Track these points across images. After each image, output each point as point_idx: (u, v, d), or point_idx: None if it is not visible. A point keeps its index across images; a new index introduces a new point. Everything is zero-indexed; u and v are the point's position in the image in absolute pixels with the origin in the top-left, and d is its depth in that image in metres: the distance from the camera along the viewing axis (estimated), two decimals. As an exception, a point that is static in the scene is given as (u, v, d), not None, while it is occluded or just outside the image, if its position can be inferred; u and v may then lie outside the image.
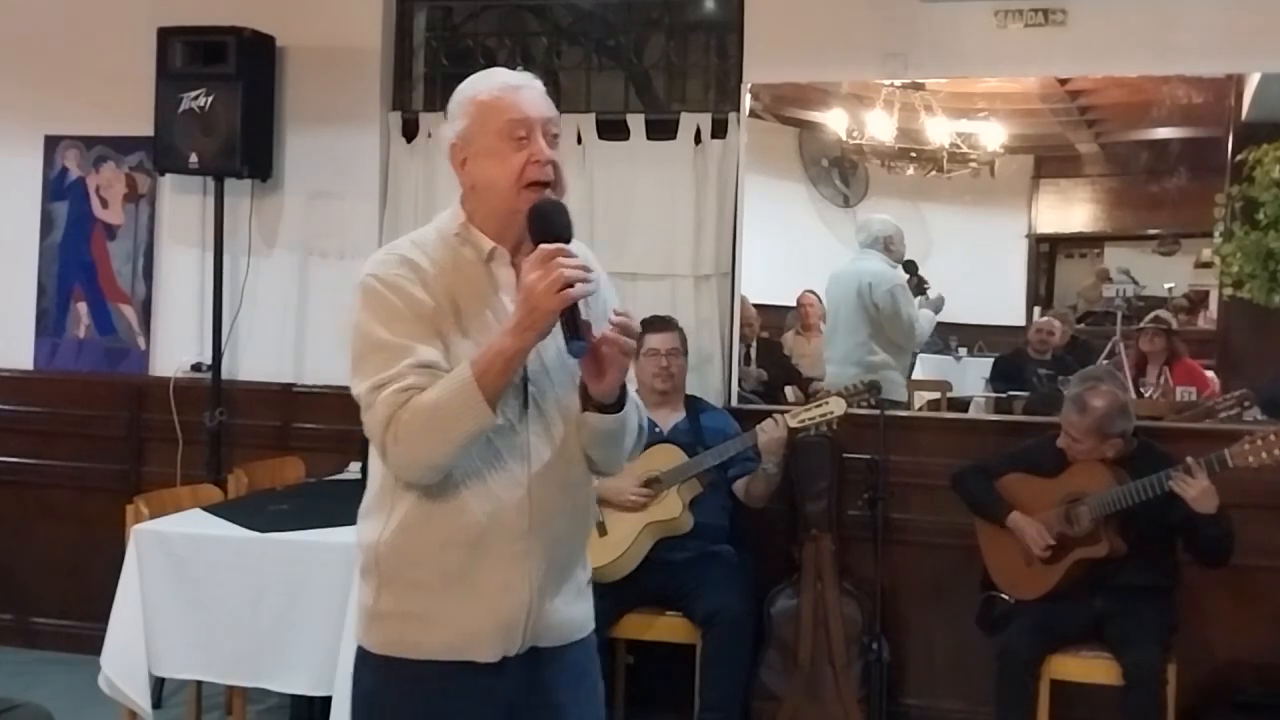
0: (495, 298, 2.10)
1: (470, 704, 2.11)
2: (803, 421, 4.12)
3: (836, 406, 4.10)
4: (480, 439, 2.01)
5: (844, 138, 4.80)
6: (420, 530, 2.11)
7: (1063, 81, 4.51)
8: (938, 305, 4.80)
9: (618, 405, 2.08)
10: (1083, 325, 4.73)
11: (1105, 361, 4.51)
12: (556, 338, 1.99)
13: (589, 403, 2.09)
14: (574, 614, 2.20)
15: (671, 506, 4.11)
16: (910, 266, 4.78)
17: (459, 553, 2.08)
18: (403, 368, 2.01)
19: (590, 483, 2.23)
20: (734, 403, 4.66)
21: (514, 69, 2.19)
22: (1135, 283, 4.58)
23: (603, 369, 2.02)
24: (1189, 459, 3.62)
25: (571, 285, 1.92)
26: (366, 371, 2.04)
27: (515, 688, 2.13)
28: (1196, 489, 3.57)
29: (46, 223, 5.29)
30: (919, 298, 4.79)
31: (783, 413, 4.13)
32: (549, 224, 2.01)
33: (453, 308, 2.07)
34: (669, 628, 4.17)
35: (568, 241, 1.99)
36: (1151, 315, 4.54)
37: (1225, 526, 3.69)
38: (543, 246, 1.97)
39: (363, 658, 2.22)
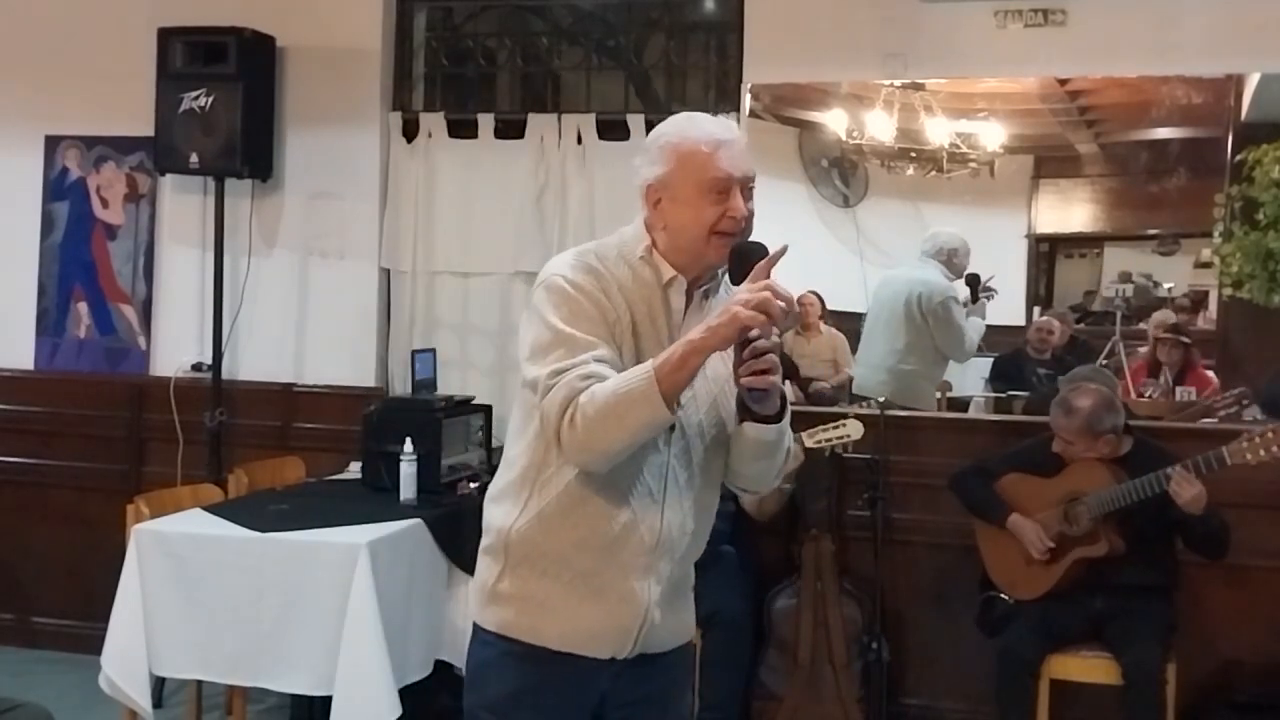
0: (666, 320, 2.21)
1: (569, 692, 2.26)
2: (819, 443, 4.16)
3: (854, 430, 4.14)
4: (654, 433, 2.11)
5: (844, 138, 4.80)
6: (557, 527, 2.21)
7: (1062, 82, 4.51)
8: (982, 310, 4.79)
9: (777, 416, 2.15)
10: (1082, 325, 4.73)
11: (1104, 362, 4.51)
12: (715, 363, 2.11)
13: (747, 413, 2.15)
14: (681, 623, 2.33)
15: None
16: (973, 279, 4.74)
17: (591, 556, 2.20)
18: (587, 357, 2.11)
19: (715, 504, 2.32)
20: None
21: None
22: (1155, 284, 4.59)
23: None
24: (1177, 466, 3.62)
25: (769, 315, 2.00)
26: (549, 360, 2.13)
27: (612, 683, 2.26)
28: (1190, 493, 3.58)
29: (47, 223, 5.29)
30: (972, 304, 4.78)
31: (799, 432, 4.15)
32: (746, 261, 2.11)
33: (629, 322, 2.19)
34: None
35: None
36: (1170, 325, 4.53)
37: (1216, 521, 3.71)
38: (767, 273, 2.06)
39: (476, 633, 2.34)
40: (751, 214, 2.18)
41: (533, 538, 2.23)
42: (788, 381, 4.64)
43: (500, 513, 2.31)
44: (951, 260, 4.70)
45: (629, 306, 2.20)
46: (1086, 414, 3.81)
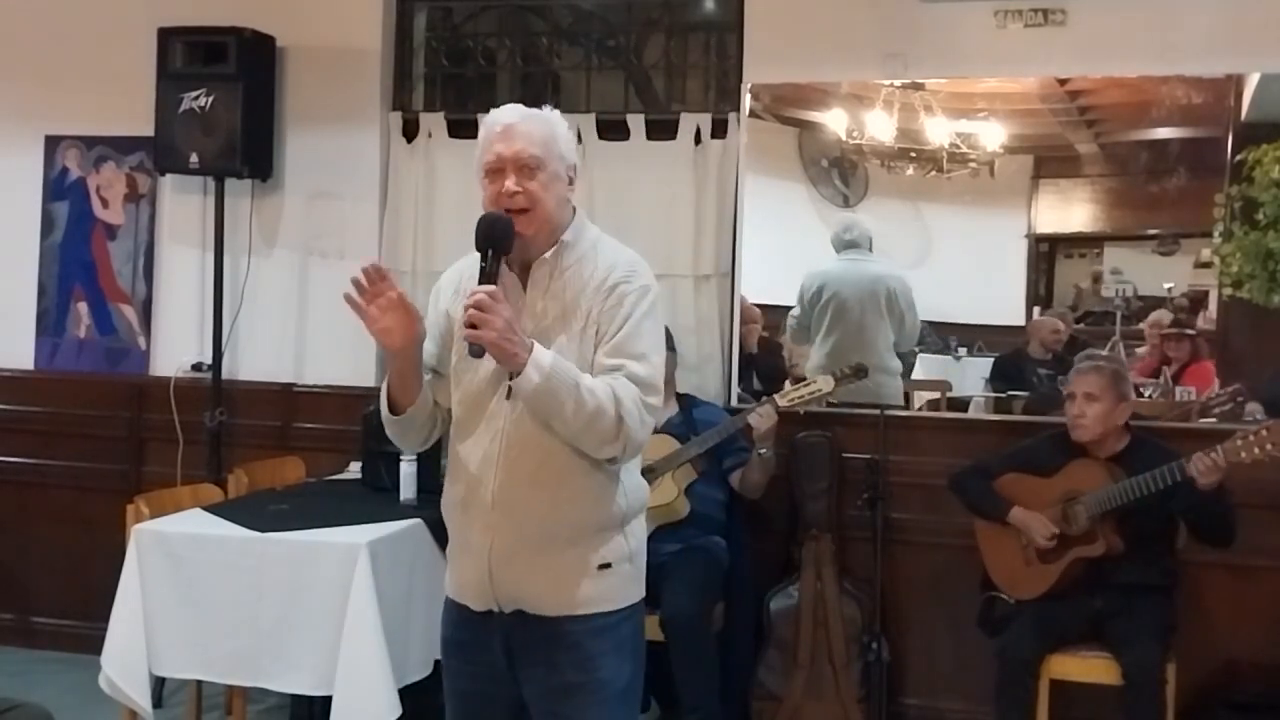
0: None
1: (476, 641, 2.52)
2: (791, 401, 4.14)
3: (825, 384, 4.13)
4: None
5: (844, 138, 4.79)
6: (444, 492, 2.57)
7: (1062, 81, 4.51)
8: None
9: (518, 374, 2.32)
10: (1082, 325, 4.73)
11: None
12: (556, 336, 2.42)
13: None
14: (565, 588, 2.45)
15: (666, 492, 4.11)
16: None
17: (456, 514, 2.52)
18: None
19: (594, 472, 2.44)
20: (734, 403, 4.66)
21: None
22: (1129, 285, 4.60)
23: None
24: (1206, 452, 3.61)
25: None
26: (659, 363, 2.44)
27: (507, 641, 2.48)
28: (1215, 475, 3.56)
29: (47, 223, 5.29)
30: None
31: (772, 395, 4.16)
32: (482, 231, 2.42)
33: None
34: (652, 626, 4.14)
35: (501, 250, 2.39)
36: (1171, 320, 4.52)
37: (1227, 500, 3.69)
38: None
39: None
40: (529, 191, 2.41)
41: (442, 506, 2.59)
42: (786, 381, 4.66)
43: None
44: (871, 246, 4.74)
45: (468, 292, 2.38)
46: (1113, 370, 3.85)
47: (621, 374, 2.37)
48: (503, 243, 2.38)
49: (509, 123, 2.44)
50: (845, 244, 4.78)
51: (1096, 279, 4.67)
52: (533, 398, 2.31)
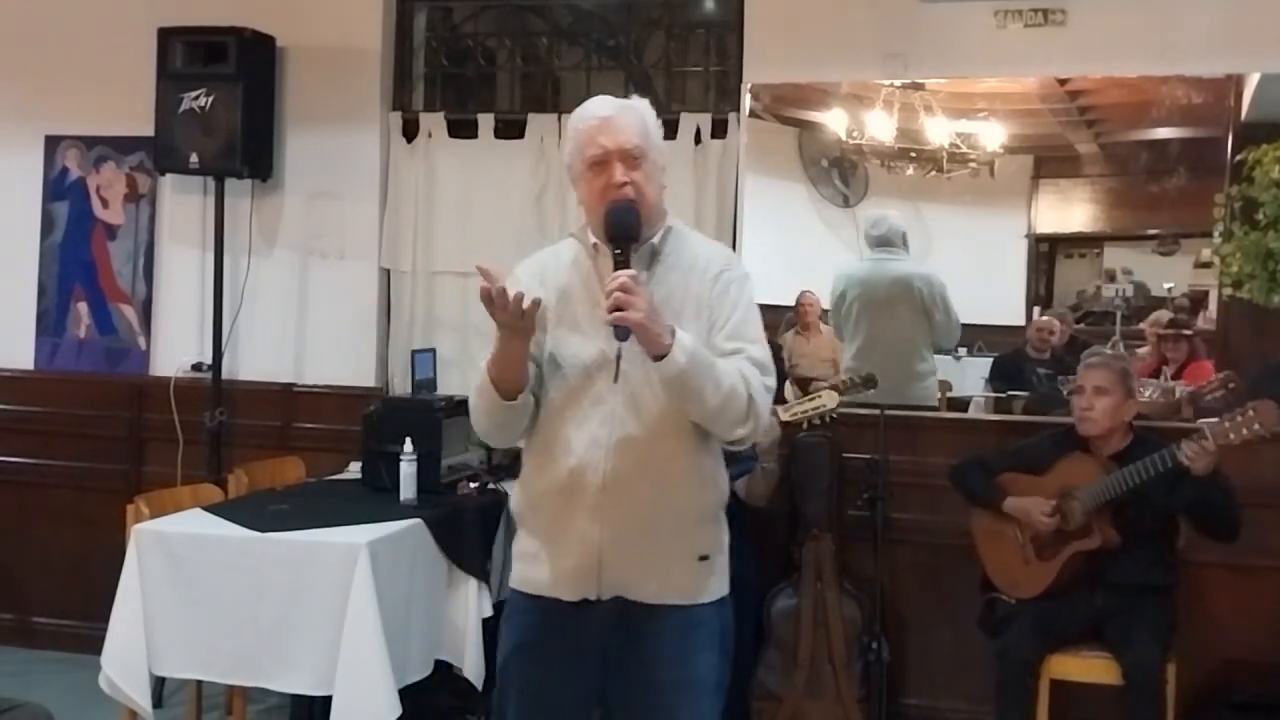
0: (599, 284, 2.48)
1: (561, 636, 2.48)
2: (795, 415, 4.13)
3: (829, 400, 4.12)
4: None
5: (844, 138, 4.79)
6: (532, 481, 2.53)
7: (1062, 81, 4.51)
8: None
9: (665, 354, 2.29)
10: (1082, 325, 4.73)
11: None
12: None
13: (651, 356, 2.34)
14: (671, 578, 2.47)
15: None
16: None
17: (552, 501, 2.47)
18: None
19: (691, 459, 2.47)
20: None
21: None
22: (1137, 285, 4.59)
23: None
24: (1182, 441, 3.61)
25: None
26: (767, 348, 2.49)
27: (603, 632, 2.46)
28: (1205, 460, 3.56)
29: (47, 223, 5.29)
30: None
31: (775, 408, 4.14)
32: (610, 222, 2.42)
33: (557, 293, 2.54)
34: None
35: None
36: (1168, 320, 4.52)
37: (1226, 487, 3.68)
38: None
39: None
40: (635, 182, 2.42)
41: (521, 497, 2.56)
42: (786, 381, 4.65)
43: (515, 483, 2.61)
44: (904, 243, 4.70)
45: (556, 281, 2.49)
46: (1121, 366, 3.87)
47: (742, 356, 2.41)
48: (633, 229, 2.40)
49: (607, 115, 2.47)
50: (875, 241, 4.73)
51: (1111, 278, 4.66)
52: (677, 379, 2.31)
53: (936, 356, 4.81)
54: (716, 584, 2.56)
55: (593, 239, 2.50)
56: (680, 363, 2.28)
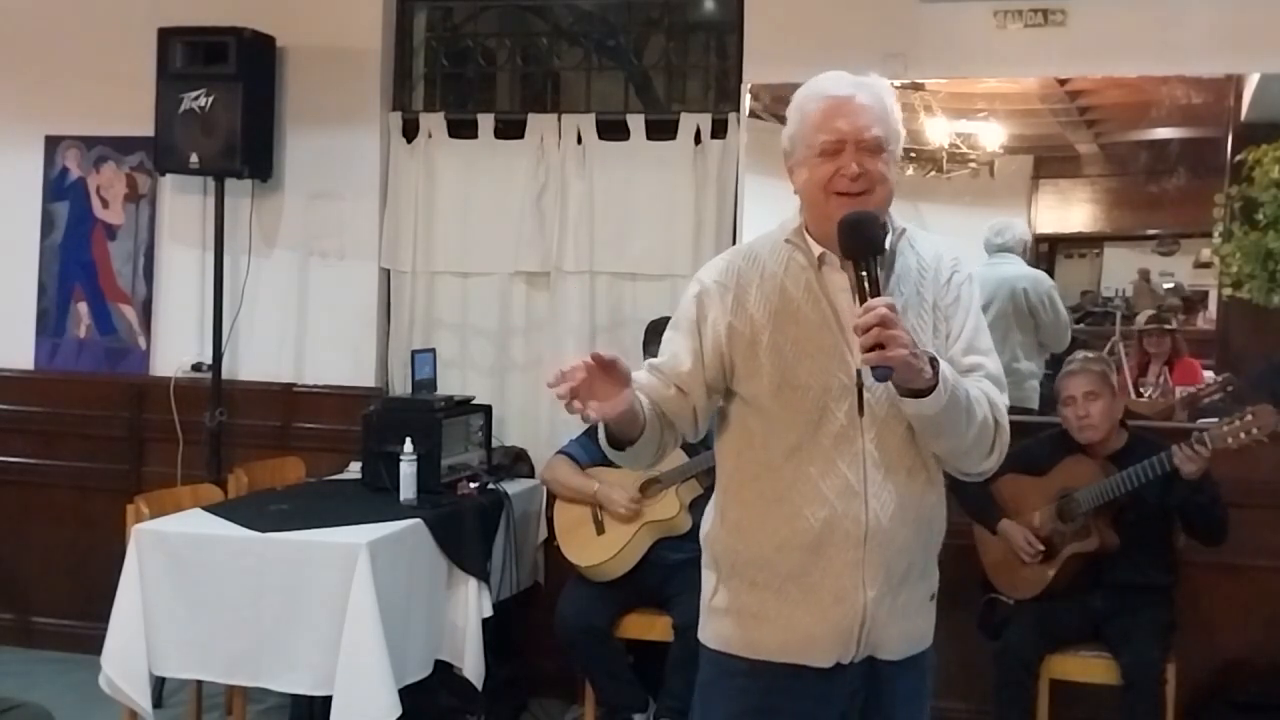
0: (828, 302, 2.18)
1: (797, 703, 2.16)
2: None
3: None
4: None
5: (844, 138, 4.78)
6: (754, 532, 2.17)
7: (1062, 82, 4.51)
8: None
9: (926, 391, 2.01)
10: (1082, 325, 4.73)
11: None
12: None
13: (900, 390, 2.06)
14: (913, 627, 2.22)
15: (669, 506, 4.11)
16: None
17: (796, 556, 2.13)
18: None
19: (936, 494, 2.22)
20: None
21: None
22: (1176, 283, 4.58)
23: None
24: (1175, 446, 3.61)
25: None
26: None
27: (847, 697, 2.17)
28: (1196, 466, 3.57)
29: (47, 223, 5.29)
30: None
31: None
32: (849, 233, 2.07)
33: (771, 311, 2.21)
34: (665, 628, 4.16)
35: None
36: (1150, 315, 4.53)
37: (1212, 492, 3.69)
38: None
39: (701, 649, 2.29)
40: (871, 174, 2.10)
41: (734, 546, 2.20)
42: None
43: (705, 524, 2.29)
44: (1025, 251, 4.63)
45: (765, 296, 2.16)
46: (1101, 367, 3.89)
47: (980, 374, 2.16)
48: (877, 242, 2.07)
49: (847, 95, 2.12)
50: (995, 248, 4.61)
51: (1145, 276, 4.62)
52: (938, 415, 2.03)
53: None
54: (934, 622, 2.30)
55: (817, 249, 2.16)
56: (944, 399, 2.00)
